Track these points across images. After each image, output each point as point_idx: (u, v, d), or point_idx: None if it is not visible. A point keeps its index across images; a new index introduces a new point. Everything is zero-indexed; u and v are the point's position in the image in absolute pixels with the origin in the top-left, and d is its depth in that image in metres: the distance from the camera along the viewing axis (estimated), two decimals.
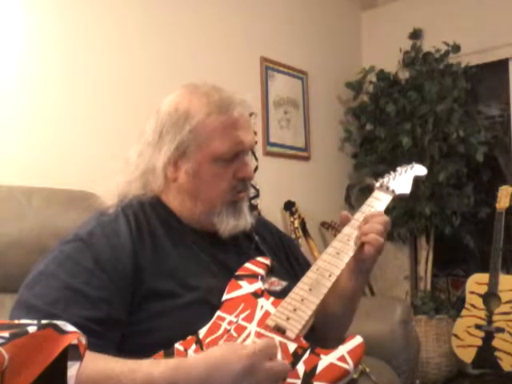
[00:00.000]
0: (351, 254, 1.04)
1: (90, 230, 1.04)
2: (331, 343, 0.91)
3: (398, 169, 1.24)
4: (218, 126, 1.09)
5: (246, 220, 1.15)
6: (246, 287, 1.06)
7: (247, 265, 1.11)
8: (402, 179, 1.20)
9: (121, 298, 0.98)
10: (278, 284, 1.11)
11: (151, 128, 1.14)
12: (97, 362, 0.83)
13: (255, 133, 2.90)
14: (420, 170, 1.25)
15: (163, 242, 1.08)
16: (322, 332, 1.12)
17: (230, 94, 1.14)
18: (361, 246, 1.05)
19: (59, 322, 0.56)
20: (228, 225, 1.12)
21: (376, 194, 1.15)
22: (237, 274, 1.09)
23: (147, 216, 1.11)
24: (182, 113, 1.10)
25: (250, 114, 3.05)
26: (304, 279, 1.02)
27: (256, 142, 2.90)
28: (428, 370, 3.06)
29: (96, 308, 0.95)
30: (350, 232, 1.07)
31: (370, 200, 1.13)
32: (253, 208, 2.79)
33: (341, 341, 0.91)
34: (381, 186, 1.17)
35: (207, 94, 1.12)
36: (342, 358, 0.88)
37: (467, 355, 2.90)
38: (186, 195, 1.12)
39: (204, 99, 1.11)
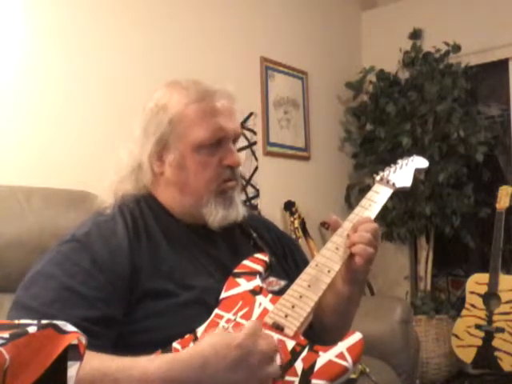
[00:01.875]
0: (349, 251, 1.02)
1: (87, 231, 1.04)
2: (330, 341, 0.91)
3: (399, 161, 1.21)
4: (196, 115, 1.10)
5: (238, 211, 1.13)
6: (244, 285, 1.05)
7: (245, 262, 1.11)
8: (403, 172, 1.17)
9: (118, 298, 0.98)
10: (276, 284, 1.10)
11: (137, 126, 1.16)
12: (93, 360, 0.83)
13: (255, 133, 2.90)
14: (421, 162, 1.23)
15: (160, 241, 1.08)
16: (318, 334, 1.11)
17: (210, 84, 1.15)
18: (350, 256, 1.02)
19: (59, 322, 0.56)
20: (217, 215, 1.10)
21: (376, 187, 1.13)
22: (235, 271, 1.08)
23: (143, 215, 1.11)
24: (162, 106, 1.12)
25: (250, 115, 3.05)
26: (303, 276, 1.01)
27: (256, 142, 2.90)
28: (428, 370, 3.06)
29: (93, 308, 0.95)
30: (349, 227, 1.05)
31: (369, 194, 1.11)
32: (253, 208, 2.79)
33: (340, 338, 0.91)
34: (381, 179, 1.15)
35: (187, 87, 1.14)
36: (340, 355, 0.87)
37: (467, 355, 2.90)
38: (173, 188, 1.12)
39: (184, 91, 1.12)
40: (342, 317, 1.15)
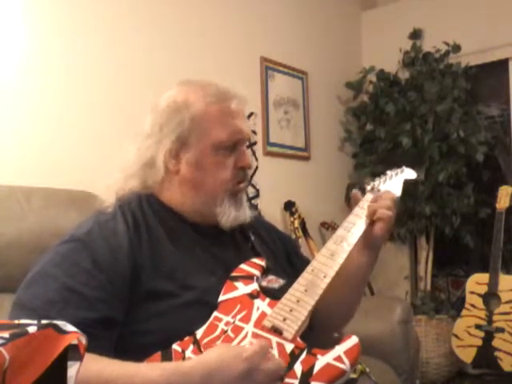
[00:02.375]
0: (345, 256, 1.05)
1: (88, 230, 1.04)
2: (328, 342, 0.92)
3: (388, 172, 1.27)
4: (217, 115, 1.11)
5: (246, 212, 1.16)
6: (242, 288, 1.06)
7: (242, 266, 1.12)
8: (393, 182, 1.23)
9: (118, 298, 0.98)
10: (276, 281, 1.12)
11: (149, 124, 1.15)
12: (93, 365, 0.83)
13: (255, 133, 2.90)
14: (410, 173, 1.29)
15: (161, 240, 1.08)
16: (326, 318, 1.12)
17: (225, 86, 1.16)
18: (371, 224, 1.09)
19: (59, 322, 0.56)
20: (230, 216, 1.12)
21: (367, 197, 1.17)
22: (232, 275, 1.09)
23: (145, 214, 1.11)
24: (182, 103, 1.12)
25: (250, 115, 3.05)
26: (299, 280, 1.03)
27: (256, 142, 2.90)
28: (428, 370, 3.06)
29: (93, 309, 0.94)
30: (343, 234, 1.09)
31: (361, 203, 1.15)
32: (253, 208, 2.79)
33: (337, 340, 0.92)
34: (372, 188, 1.20)
35: (203, 86, 1.14)
36: (338, 358, 0.89)
37: (467, 355, 2.90)
38: (188, 186, 1.12)
39: (201, 91, 1.13)
40: (351, 289, 1.19)
